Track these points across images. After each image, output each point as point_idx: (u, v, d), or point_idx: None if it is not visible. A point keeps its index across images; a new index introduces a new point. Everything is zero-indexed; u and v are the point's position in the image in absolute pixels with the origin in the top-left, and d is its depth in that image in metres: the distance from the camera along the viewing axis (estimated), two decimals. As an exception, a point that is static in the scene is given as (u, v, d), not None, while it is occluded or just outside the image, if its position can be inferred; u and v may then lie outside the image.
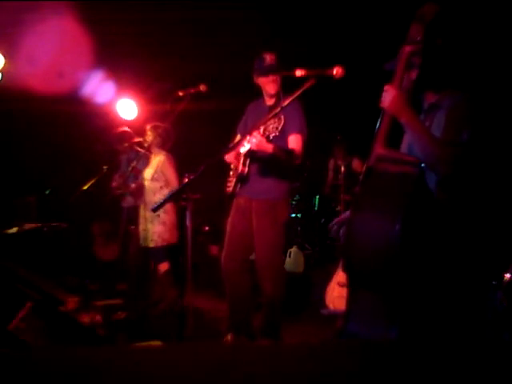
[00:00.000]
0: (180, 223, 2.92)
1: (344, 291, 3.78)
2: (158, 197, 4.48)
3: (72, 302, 3.12)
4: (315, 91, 2.65)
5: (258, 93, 3.60)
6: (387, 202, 1.73)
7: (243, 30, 4.79)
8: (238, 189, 3.49)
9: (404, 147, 2.17)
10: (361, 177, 1.90)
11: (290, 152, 3.31)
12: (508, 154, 3.57)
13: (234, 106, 4.00)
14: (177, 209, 4.53)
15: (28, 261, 4.53)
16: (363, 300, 1.78)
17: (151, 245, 4.56)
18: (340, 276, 4.00)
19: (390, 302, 1.71)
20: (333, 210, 5.87)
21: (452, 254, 1.89)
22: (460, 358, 1.21)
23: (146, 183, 4.66)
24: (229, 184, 3.54)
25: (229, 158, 3.50)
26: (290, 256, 5.32)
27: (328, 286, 4.13)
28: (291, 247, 5.37)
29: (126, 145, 4.76)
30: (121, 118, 5.01)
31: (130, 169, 4.47)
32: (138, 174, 4.68)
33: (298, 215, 6.15)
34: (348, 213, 1.95)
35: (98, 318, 3.96)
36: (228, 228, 3.59)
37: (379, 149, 1.90)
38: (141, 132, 4.80)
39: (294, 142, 3.39)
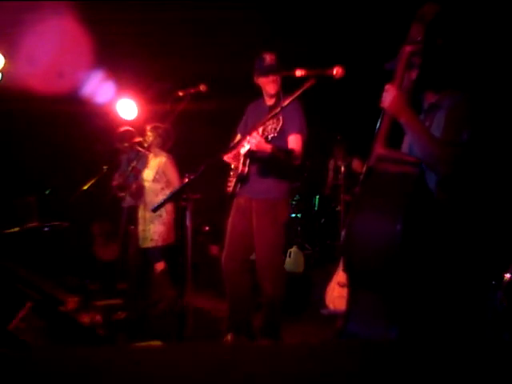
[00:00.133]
0: (180, 223, 2.92)
1: (344, 291, 3.77)
2: (160, 198, 4.48)
3: (72, 302, 3.12)
4: (315, 91, 2.65)
5: (258, 93, 3.60)
6: (387, 202, 1.73)
7: (243, 30, 4.79)
8: (238, 189, 3.49)
9: (405, 147, 2.17)
10: (361, 177, 1.90)
11: (289, 152, 3.31)
12: (508, 154, 3.57)
13: (234, 106, 3.99)
14: (177, 209, 4.54)
15: (28, 261, 4.53)
16: (363, 300, 1.78)
17: (150, 244, 4.56)
18: (340, 276, 4.00)
19: (390, 302, 1.71)
20: (333, 210, 5.87)
21: (452, 254, 1.89)
22: (460, 357, 1.21)
23: (147, 184, 4.66)
24: (229, 184, 3.54)
25: (229, 158, 3.50)
26: (289, 256, 5.32)
27: (328, 286, 4.13)
28: (291, 247, 5.36)
29: (127, 144, 4.76)
30: (121, 118, 5.01)
31: (129, 169, 4.47)
32: (137, 174, 4.68)
33: (298, 215, 6.14)
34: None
35: (98, 318, 3.96)
36: (228, 228, 3.59)
37: (379, 149, 1.90)
38: (141, 132, 4.80)
39: (294, 142, 3.39)
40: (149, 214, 4.53)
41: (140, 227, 4.62)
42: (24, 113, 5.81)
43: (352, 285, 1.84)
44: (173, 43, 5.15)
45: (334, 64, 2.66)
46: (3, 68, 4.57)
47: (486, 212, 2.19)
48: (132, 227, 4.69)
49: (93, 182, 4.83)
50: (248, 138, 3.18)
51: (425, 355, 1.20)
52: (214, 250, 5.69)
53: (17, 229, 5.07)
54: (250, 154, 3.36)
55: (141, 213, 4.64)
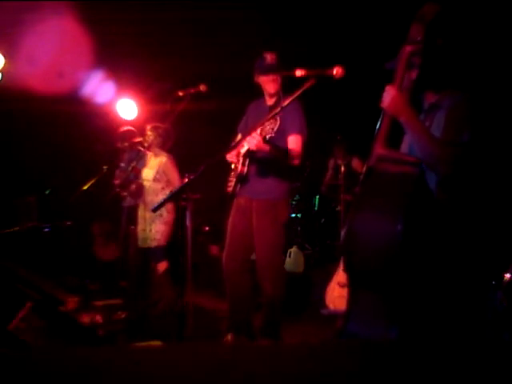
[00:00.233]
0: (180, 223, 2.92)
1: (344, 291, 3.78)
2: (161, 197, 4.48)
3: (72, 302, 3.12)
4: (315, 91, 2.64)
5: (258, 93, 3.60)
6: (387, 202, 1.73)
7: (243, 30, 4.79)
8: (238, 189, 3.49)
9: (404, 147, 2.17)
10: (361, 177, 1.90)
11: (286, 151, 3.31)
12: (508, 154, 3.57)
13: (233, 106, 3.99)
14: (177, 209, 4.54)
15: (28, 261, 4.53)
16: (363, 300, 1.78)
17: (153, 244, 4.56)
18: (340, 276, 4.00)
19: (390, 302, 1.71)
20: (333, 210, 5.87)
21: (452, 254, 1.89)
22: (460, 357, 1.21)
23: (148, 184, 4.66)
24: (229, 184, 3.54)
25: (230, 157, 3.51)
26: (290, 256, 5.32)
27: (328, 286, 4.13)
28: (291, 247, 5.37)
29: (127, 144, 4.76)
30: (121, 118, 5.01)
31: (130, 168, 4.48)
32: (137, 173, 4.69)
33: (298, 215, 6.14)
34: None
35: (98, 318, 3.96)
36: (229, 228, 3.59)
37: (379, 149, 1.90)
38: (141, 132, 4.80)
39: (294, 142, 3.39)
40: (149, 214, 4.53)
41: (140, 227, 4.62)
42: (24, 113, 5.81)
43: (352, 285, 1.84)
44: (173, 43, 5.15)
45: (334, 64, 2.65)
46: (3, 68, 4.57)
47: (486, 212, 2.19)
48: (132, 227, 4.69)
49: (93, 181, 4.83)
50: (247, 138, 3.19)
51: (425, 355, 1.20)
52: (214, 249, 5.69)
53: (16, 228, 5.08)
54: (249, 154, 3.37)
55: (141, 212, 4.64)
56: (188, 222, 2.87)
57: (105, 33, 4.65)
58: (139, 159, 4.52)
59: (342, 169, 5.32)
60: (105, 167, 4.90)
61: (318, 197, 6.41)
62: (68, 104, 5.49)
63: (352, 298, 1.83)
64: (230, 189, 3.51)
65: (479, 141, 1.94)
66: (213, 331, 3.85)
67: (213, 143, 3.83)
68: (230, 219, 3.60)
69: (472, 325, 1.96)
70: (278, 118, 3.24)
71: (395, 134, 2.04)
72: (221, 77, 4.75)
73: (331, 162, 6.05)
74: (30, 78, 4.84)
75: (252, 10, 4.40)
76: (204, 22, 4.66)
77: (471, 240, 1.97)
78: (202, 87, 3.36)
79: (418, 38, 1.95)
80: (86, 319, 3.77)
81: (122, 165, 4.84)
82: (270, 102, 3.54)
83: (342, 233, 2.11)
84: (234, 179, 3.50)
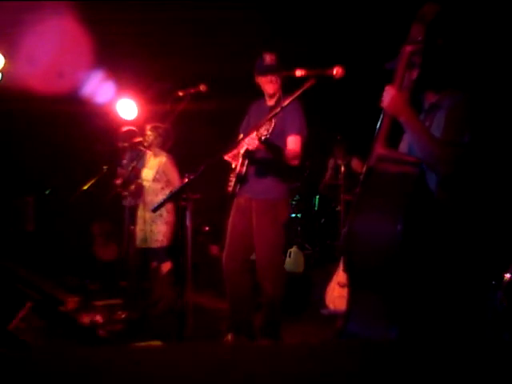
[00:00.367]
0: (180, 223, 2.92)
1: (344, 291, 3.78)
2: (161, 197, 4.48)
3: (72, 302, 3.12)
4: (315, 91, 2.64)
5: (258, 93, 3.60)
6: (387, 202, 1.73)
7: (243, 30, 4.79)
8: (237, 189, 3.49)
9: (403, 147, 2.17)
10: (361, 177, 1.90)
11: (280, 150, 3.32)
12: (508, 154, 3.57)
13: (233, 106, 4.00)
14: (177, 209, 4.54)
15: (28, 261, 4.53)
16: (363, 300, 1.77)
17: (156, 245, 4.56)
18: (340, 276, 4.00)
19: (390, 302, 1.71)
20: (333, 210, 5.86)
21: (452, 254, 1.89)
22: (460, 357, 1.21)
23: (147, 184, 4.66)
24: (229, 184, 3.55)
25: (229, 157, 3.51)
26: (290, 256, 5.32)
27: (328, 286, 4.13)
28: (291, 247, 5.36)
29: (127, 144, 4.76)
30: (121, 118, 5.01)
31: (129, 168, 4.48)
32: (137, 173, 4.69)
33: (298, 215, 6.14)
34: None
35: (98, 318, 3.96)
36: (228, 228, 3.59)
37: (380, 149, 1.90)
38: (141, 132, 4.80)
39: (293, 142, 3.40)
40: (149, 214, 4.53)
41: (138, 227, 4.62)
42: (24, 113, 5.81)
43: (352, 285, 1.84)
44: (173, 43, 5.15)
45: (334, 64, 2.65)
46: (3, 68, 4.57)
47: (486, 212, 2.18)
48: (132, 227, 4.69)
49: (93, 181, 4.83)
50: (246, 138, 3.21)
51: (425, 355, 1.20)
52: (214, 249, 5.69)
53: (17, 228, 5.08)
54: (247, 154, 3.38)
55: (140, 213, 4.64)
56: (188, 222, 2.87)
57: (105, 33, 4.65)
58: (139, 159, 4.52)
59: (342, 169, 5.32)
60: (105, 167, 4.90)
61: (317, 197, 6.40)
62: (68, 104, 5.49)
63: (352, 298, 1.83)
64: (230, 188, 3.52)
65: (479, 141, 1.94)
66: (213, 331, 3.85)
67: (213, 143, 3.83)
68: (230, 219, 3.60)
69: (472, 325, 1.96)
70: (273, 120, 3.26)
71: (395, 134, 2.04)
72: (221, 77, 4.75)
73: (331, 162, 6.05)
74: (30, 78, 4.84)
75: (252, 10, 4.40)
76: (204, 21, 4.66)
77: (471, 240, 1.97)
78: (202, 87, 3.36)
79: (419, 38, 1.95)
80: (85, 319, 3.77)
81: (125, 163, 4.84)
82: (270, 102, 3.54)
83: (342, 232, 2.12)
84: (234, 179, 3.50)
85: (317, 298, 4.43)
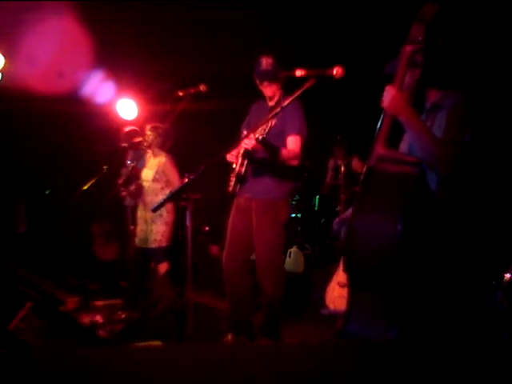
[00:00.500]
0: (180, 223, 2.91)
1: (344, 291, 3.78)
2: (160, 197, 4.48)
3: (72, 302, 3.12)
4: (315, 91, 2.64)
5: (258, 93, 3.61)
6: (388, 202, 1.73)
7: (243, 30, 4.79)
8: (237, 189, 3.49)
9: (403, 147, 2.17)
10: (361, 177, 1.90)
11: (277, 150, 3.32)
12: (508, 154, 3.57)
13: (233, 106, 4.00)
14: (177, 209, 4.53)
15: (28, 261, 4.53)
16: (363, 300, 1.77)
17: (154, 245, 4.56)
18: (340, 276, 4.00)
19: (390, 302, 1.71)
20: (333, 210, 5.87)
21: (452, 254, 1.89)
22: (460, 357, 1.21)
23: (147, 184, 4.66)
24: (230, 184, 3.55)
25: (229, 157, 3.51)
26: (290, 256, 5.32)
27: (328, 286, 4.13)
28: (291, 247, 5.36)
29: (126, 144, 4.75)
30: (121, 118, 5.01)
31: (130, 168, 4.48)
32: (137, 174, 4.69)
33: (298, 215, 6.14)
34: (349, 211, 1.95)
35: (98, 318, 3.96)
36: (229, 228, 3.59)
37: (380, 149, 1.89)
38: (141, 132, 4.79)
39: (293, 143, 3.40)
40: (149, 214, 4.53)
41: (140, 227, 4.62)
42: (24, 113, 5.81)
43: (352, 285, 1.84)
44: (173, 43, 5.15)
45: (334, 64, 2.65)
46: (3, 68, 4.57)
47: (486, 212, 2.18)
48: (132, 227, 4.69)
49: (93, 181, 4.83)
50: (244, 139, 3.22)
51: (425, 355, 1.20)
52: (214, 249, 5.69)
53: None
54: (246, 154, 3.38)
55: (140, 213, 4.64)
56: (188, 222, 2.87)
57: (105, 33, 4.65)
58: (139, 159, 4.52)
59: (342, 169, 5.33)
60: (105, 167, 4.90)
61: (317, 197, 6.41)
62: (68, 104, 5.49)
63: (352, 298, 1.83)
64: (230, 188, 3.52)
65: (480, 140, 1.94)
66: (213, 331, 3.85)
67: (213, 143, 3.83)
68: (230, 219, 3.60)
69: (472, 325, 1.96)
70: (272, 119, 3.27)
71: (395, 134, 2.04)
72: (221, 77, 4.75)
73: (331, 163, 6.06)
74: (30, 78, 4.84)
75: (252, 10, 4.40)
76: (204, 21, 4.66)
77: (471, 240, 1.97)
78: (202, 87, 3.36)
79: (419, 38, 1.95)
80: (85, 319, 3.78)
81: (129, 163, 4.84)
82: (270, 102, 3.55)
83: (342, 233, 2.12)
84: (234, 179, 3.50)
85: (317, 298, 4.43)
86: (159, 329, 3.94)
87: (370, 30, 4.59)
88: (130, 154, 4.86)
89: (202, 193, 3.18)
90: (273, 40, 4.48)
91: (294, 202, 6.07)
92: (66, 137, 6.09)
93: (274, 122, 3.32)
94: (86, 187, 4.82)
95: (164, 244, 4.56)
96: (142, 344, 3.38)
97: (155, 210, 3.16)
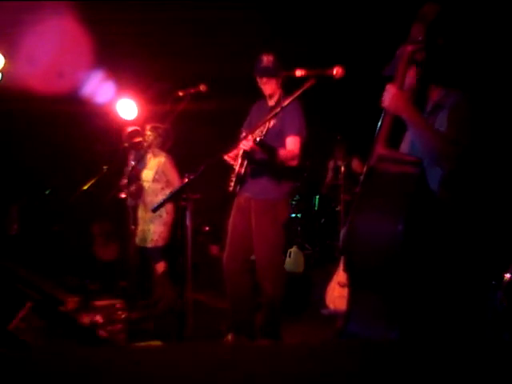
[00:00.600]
0: (180, 223, 2.92)
1: (344, 291, 3.77)
2: (160, 198, 4.47)
3: (72, 302, 3.12)
4: (315, 91, 2.64)
5: (258, 93, 3.60)
6: (388, 202, 1.73)
7: (243, 30, 4.79)
8: (237, 189, 3.50)
9: (404, 147, 2.17)
10: (361, 177, 1.90)
11: (274, 151, 3.32)
12: (509, 154, 3.57)
13: (233, 106, 4.00)
14: (177, 209, 4.53)
15: (28, 261, 4.53)
16: (364, 300, 1.77)
17: (150, 245, 4.56)
18: (340, 276, 4.00)
19: (390, 303, 1.71)
20: (333, 210, 5.87)
21: (452, 254, 1.89)
22: (460, 357, 1.21)
23: (147, 184, 4.66)
24: (230, 184, 3.55)
25: (229, 158, 3.51)
26: (290, 256, 5.32)
27: (328, 285, 4.13)
28: (291, 247, 5.36)
29: (127, 144, 4.75)
30: (121, 118, 5.01)
31: (130, 169, 4.48)
32: (138, 174, 4.69)
33: (298, 215, 6.14)
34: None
35: (98, 318, 3.95)
36: (229, 228, 3.59)
37: (380, 149, 1.89)
38: (141, 132, 4.79)
39: (292, 143, 3.40)
40: (149, 214, 4.53)
41: (140, 227, 4.62)
42: (24, 113, 5.81)
43: (352, 285, 1.84)
44: (173, 43, 5.15)
45: (334, 64, 2.65)
46: (3, 68, 4.57)
47: (486, 212, 2.19)
48: (132, 227, 4.69)
49: (93, 181, 4.83)
50: (243, 140, 3.23)
51: (425, 355, 1.19)
52: (214, 249, 5.69)
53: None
54: (245, 154, 3.38)
55: (141, 213, 4.65)
56: (188, 222, 2.87)
57: (105, 33, 4.65)
58: (140, 160, 4.52)
59: (342, 169, 5.33)
60: (105, 167, 4.90)
61: (317, 197, 6.40)
62: (68, 104, 5.49)
63: (352, 298, 1.83)
64: (230, 188, 3.52)
65: (481, 140, 1.94)
66: (213, 331, 3.85)
67: (213, 143, 3.83)
68: (231, 219, 3.60)
69: (472, 325, 1.96)
70: (271, 120, 3.27)
71: (396, 134, 2.04)
72: (221, 77, 4.75)
73: (331, 164, 6.06)
74: (30, 78, 4.84)
75: (252, 10, 4.40)
76: (204, 21, 4.66)
77: (472, 240, 1.97)
78: (202, 87, 3.36)
79: (419, 38, 1.95)
80: (85, 319, 3.77)
81: (132, 163, 4.84)
82: (270, 102, 3.55)
83: (342, 233, 2.11)
84: (234, 179, 3.51)
85: (317, 298, 4.43)
86: (159, 329, 3.94)
87: (370, 31, 4.59)
88: (133, 154, 4.86)
89: (202, 193, 3.18)
90: (273, 40, 4.48)
91: (293, 202, 6.06)
92: (66, 137, 6.09)
93: (272, 122, 3.33)
94: (86, 187, 4.82)
95: (160, 244, 4.56)
96: (142, 344, 3.38)
97: (155, 210, 3.16)
